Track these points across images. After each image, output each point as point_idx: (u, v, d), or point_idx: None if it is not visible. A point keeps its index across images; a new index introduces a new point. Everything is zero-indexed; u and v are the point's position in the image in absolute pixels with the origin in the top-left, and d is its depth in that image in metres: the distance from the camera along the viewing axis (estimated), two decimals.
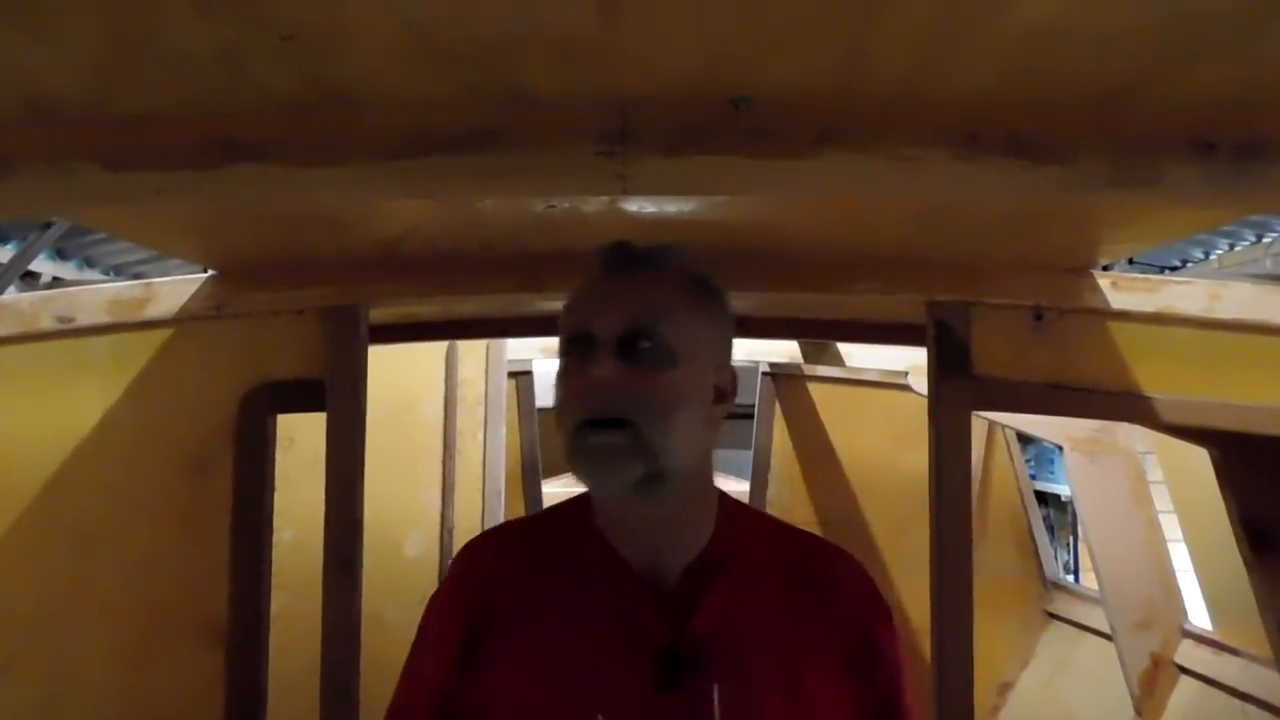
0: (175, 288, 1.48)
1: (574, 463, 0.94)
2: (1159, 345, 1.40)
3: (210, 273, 1.48)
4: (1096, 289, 1.42)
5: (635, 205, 1.12)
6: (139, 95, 0.75)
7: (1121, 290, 1.41)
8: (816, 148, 0.77)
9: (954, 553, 1.39)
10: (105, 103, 0.76)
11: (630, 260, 0.98)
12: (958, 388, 1.40)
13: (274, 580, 1.47)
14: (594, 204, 1.12)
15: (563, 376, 0.97)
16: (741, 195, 0.86)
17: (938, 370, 1.41)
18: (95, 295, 1.51)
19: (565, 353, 0.97)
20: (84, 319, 1.48)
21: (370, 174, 0.79)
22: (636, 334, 0.93)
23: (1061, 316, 1.41)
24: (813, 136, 0.77)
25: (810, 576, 1.00)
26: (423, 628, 1.05)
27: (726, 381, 0.99)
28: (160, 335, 1.46)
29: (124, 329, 1.47)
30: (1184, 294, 1.40)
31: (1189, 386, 1.39)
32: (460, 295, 1.53)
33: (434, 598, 1.06)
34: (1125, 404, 1.39)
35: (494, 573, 1.01)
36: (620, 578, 0.97)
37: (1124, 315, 1.41)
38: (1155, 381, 1.39)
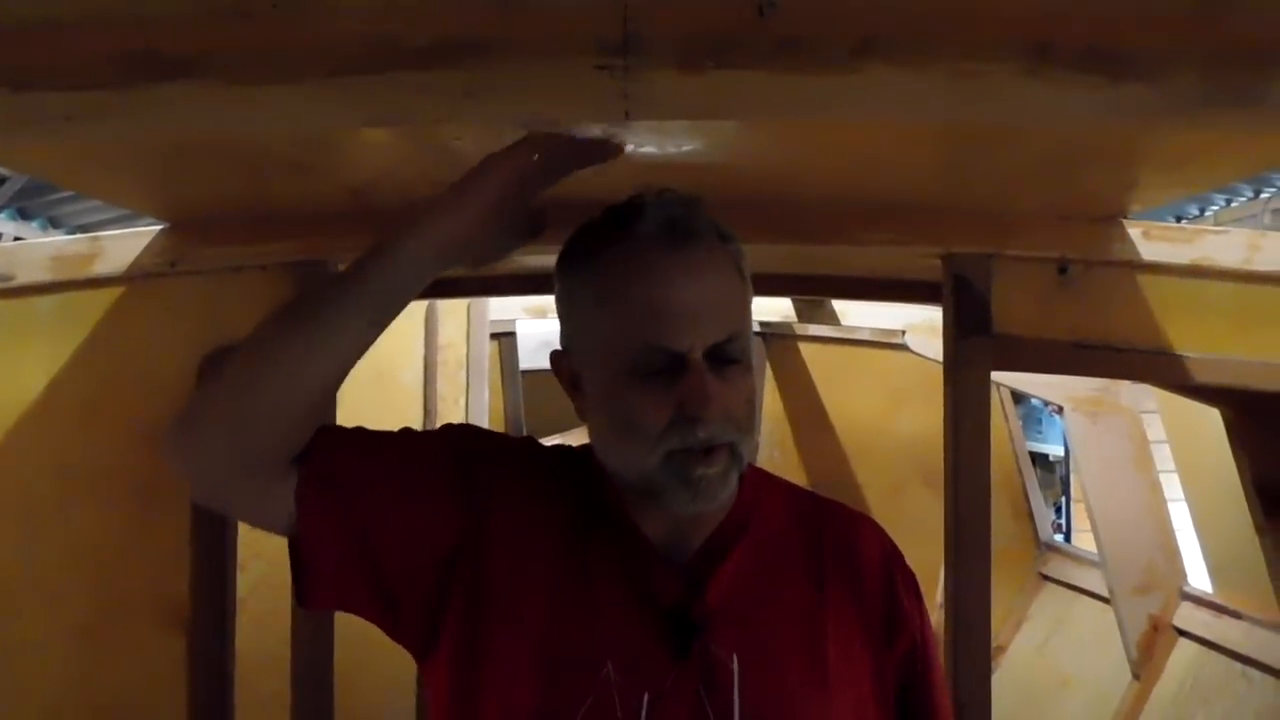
0: (125, 242, 1.36)
1: (668, 490, 0.85)
2: (1193, 300, 1.31)
3: (163, 225, 1.36)
4: (1126, 239, 1.32)
5: (631, 144, 1.00)
6: None
7: (1154, 240, 1.31)
8: (857, 61, 0.65)
9: (972, 526, 1.30)
10: (1, 8, 0.63)
11: (687, 234, 0.84)
12: (976, 347, 1.31)
13: (250, 551, 1.39)
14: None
15: (629, 393, 0.84)
16: (767, 118, 0.75)
17: (955, 328, 1.32)
18: (36, 250, 1.39)
19: (634, 365, 0.83)
20: (25, 277, 1.36)
21: (323, 93, 0.66)
22: (730, 342, 0.84)
23: (1088, 269, 1.31)
24: (853, 48, 0.65)
25: (834, 545, 0.96)
26: (401, 441, 0.93)
27: None
28: (109, 294, 1.35)
29: (69, 287, 1.36)
30: (1221, 244, 1.30)
31: (1224, 344, 1.30)
32: None
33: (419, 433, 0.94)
34: (1156, 364, 1.31)
35: (498, 470, 0.91)
36: (635, 540, 0.90)
37: (1156, 268, 1.31)
38: (1188, 339, 1.30)
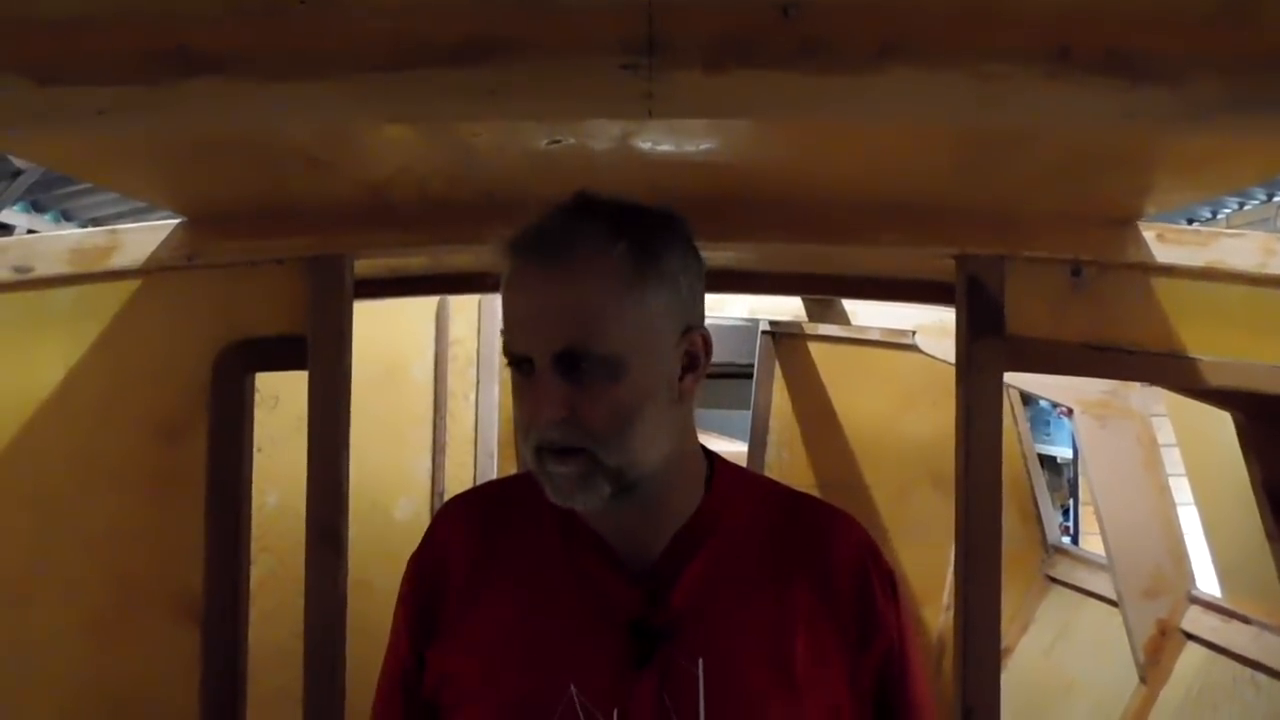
0: (142, 235, 1.37)
1: (542, 483, 0.88)
2: (1206, 303, 1.31)
3: (181, 219, 1.37)
4: (1141, 242, 1.32)
5: (649, 143, 1.00)
6: None
7: (1168, 243, 1.31)
8: (880, 63, 0.65)
9: (982, 529, 1.30)
10: (33, 2, 0.64)
11: (550, 246, 0.86)
12: (989, 348, 1.31)
13: (258, 545, 1.40)
14: (603, 142, 1.01)
15: (513, 389, 0.89)
16: (789, 118, 0.75)
17: (968, 330, 1.32)
18: (55, 243, 1.40)
19: (509, 362, 0.89)
20: (43, 269, 1.37)
21: (351, 91, 0.67)
22: (572, 353, 0.84)
23: (1102, 272, 1.31)
24: (876, 49, 0.65)
25: (806, 544, 0.95)
26: (397, 603, 1.01)
27: (697, 346, 0.90)
28: (127, 287, 1.36)
29: (87, 280, 1.37)
30: (1235, 248, 1.30)
31: (1237, 347, 1.30)
32: (453, 246, 1.43)
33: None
34: (1169, 366, 1.31)
35: (452, 541, 0.96)
36: (593, 550, 0.91)
37: (1169, 270, 1.31)
38: (1201, 342, 1.30)
